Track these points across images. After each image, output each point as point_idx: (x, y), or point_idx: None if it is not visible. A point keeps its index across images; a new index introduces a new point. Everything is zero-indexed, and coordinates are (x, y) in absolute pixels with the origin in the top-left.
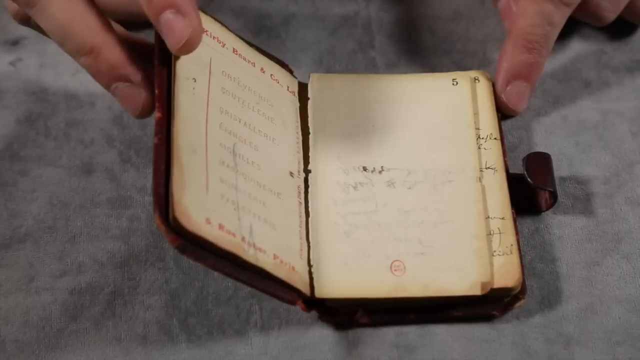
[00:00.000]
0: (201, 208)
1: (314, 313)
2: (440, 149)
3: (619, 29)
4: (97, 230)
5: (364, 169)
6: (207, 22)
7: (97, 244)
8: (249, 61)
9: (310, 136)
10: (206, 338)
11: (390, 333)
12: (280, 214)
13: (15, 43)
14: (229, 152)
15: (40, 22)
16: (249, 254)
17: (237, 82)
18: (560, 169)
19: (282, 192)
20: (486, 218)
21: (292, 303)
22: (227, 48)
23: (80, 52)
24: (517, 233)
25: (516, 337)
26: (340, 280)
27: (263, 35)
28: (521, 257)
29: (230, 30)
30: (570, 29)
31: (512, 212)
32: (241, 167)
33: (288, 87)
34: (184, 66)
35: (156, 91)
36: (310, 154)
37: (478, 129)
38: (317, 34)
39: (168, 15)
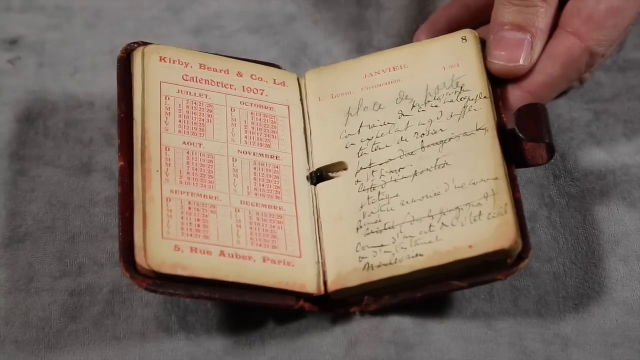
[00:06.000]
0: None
1: (316, 313)
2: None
3: None
4: (97, 230)
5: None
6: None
7: (96, 244)
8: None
9: (311, 137)
10: (205, 338)
11: (388, 331)
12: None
13: (13, 42)
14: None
15: None
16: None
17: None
18: (553, 166)
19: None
20: (479, 182)
21: (292, 307)
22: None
23: None
24: (517, 191)
25: (514, 337)
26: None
27: (263, 35)
28: (522, 215)
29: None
30: None
31: (508, 170)
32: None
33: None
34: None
35: (118, 141)
36: (312, 153)
37: (466, 90)
38: (316, 35)
39: None
